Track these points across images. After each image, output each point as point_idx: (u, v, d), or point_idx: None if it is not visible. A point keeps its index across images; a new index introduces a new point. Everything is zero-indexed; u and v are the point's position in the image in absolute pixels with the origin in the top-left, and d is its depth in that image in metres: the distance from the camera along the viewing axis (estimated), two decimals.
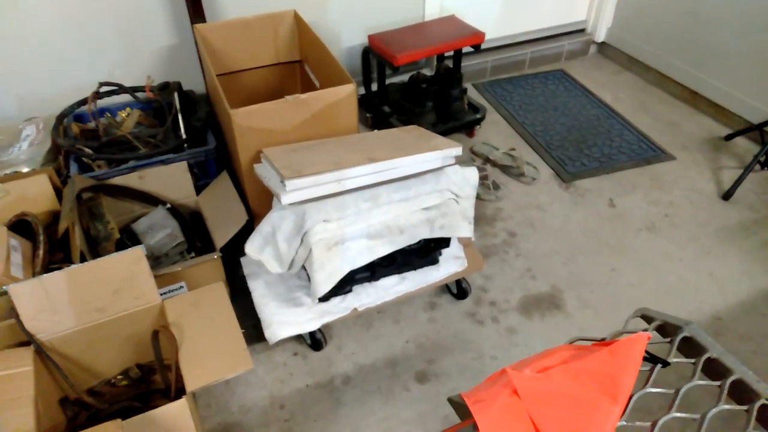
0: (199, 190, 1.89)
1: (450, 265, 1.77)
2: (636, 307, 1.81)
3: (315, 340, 1.70)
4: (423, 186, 1.58)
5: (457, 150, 1.59)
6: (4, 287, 1.36)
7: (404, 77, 2.66)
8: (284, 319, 1.61)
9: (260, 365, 1.67)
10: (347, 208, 1.50)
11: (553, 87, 2.93)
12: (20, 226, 1.62)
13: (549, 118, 2.70)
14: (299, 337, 1.73)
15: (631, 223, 2.14)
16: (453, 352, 1.70)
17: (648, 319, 1.16)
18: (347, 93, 1.68)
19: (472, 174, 1.66)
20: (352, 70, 2.64)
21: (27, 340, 1.41)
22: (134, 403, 1.49)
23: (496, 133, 2.62)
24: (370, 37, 2.34)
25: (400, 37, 2.34)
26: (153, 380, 1.60)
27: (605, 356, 0.96)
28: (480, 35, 2.35)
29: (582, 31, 3.16)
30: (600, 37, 3.13)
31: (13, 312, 1.38)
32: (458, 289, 1.84)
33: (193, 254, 1.75)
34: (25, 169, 1.75)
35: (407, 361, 1.67)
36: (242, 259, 1.79)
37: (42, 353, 1.41)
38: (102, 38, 2.08)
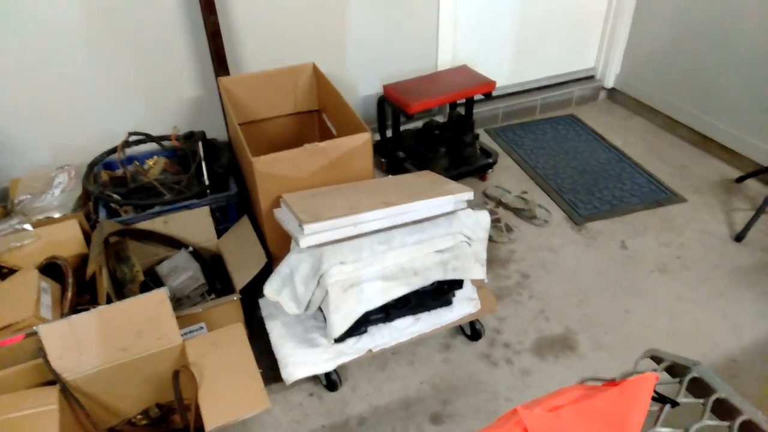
0: (220, 233, 1.96)
1: (464, 306, 1.80)
2: (649, 347, 1.82)
3: (330, 381, 1.72)
4: (436, 229, 1.63)
5: (469, 194, 1.65)
6: (34, 328, 1.42)
7: (418, 124, 2.75)
8: (300, 359, 1.65)
9: (276, 405, 1.70)
10: (362, 251, 1.56)
11: (563, 131, 3.00)
12: (51, 268, 1.70)
13: (560, 162, 2.76)
14: (315, 378, 1.76)
15: (644, 264, 2.16)
16: (467, 393, 1.71)
17: (657, 359, 1.18)
18: (363, 141, 1.76)
19: (483, 217, 1.71)
20: (368, 118, 2.74)
21: (53, 379, 1.46)
22: None
23: (508, 176, 2.68)
24: (386, 87, 2.44)
25: (414, 86, 2.44)
26: (172, 420, 1.63)
27: (614, 396, 0.99)
28: (491, 84, 2.44)
29: (591, 77, 3.25)
30: (609, 83, 3.22)
31: (41, 352, 1.43)
32: (472, 331, 1.87)
33: (213, 296, 1.80)
34: (57, 215, 1.84)
35: (421, 402, 1.69)
36: (260, 301, 1.84)
37: (67, 392, 1.45)
38: (132, 90, 2.20)
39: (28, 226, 1.73)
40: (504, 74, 3.02)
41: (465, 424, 1.62)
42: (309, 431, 1.62)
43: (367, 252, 1.56)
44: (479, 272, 1.70)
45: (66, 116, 2.16)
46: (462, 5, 2.67)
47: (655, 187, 2.56)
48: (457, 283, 1.76)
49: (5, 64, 1.96)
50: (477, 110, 2.92)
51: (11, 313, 1.51)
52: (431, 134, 2.54)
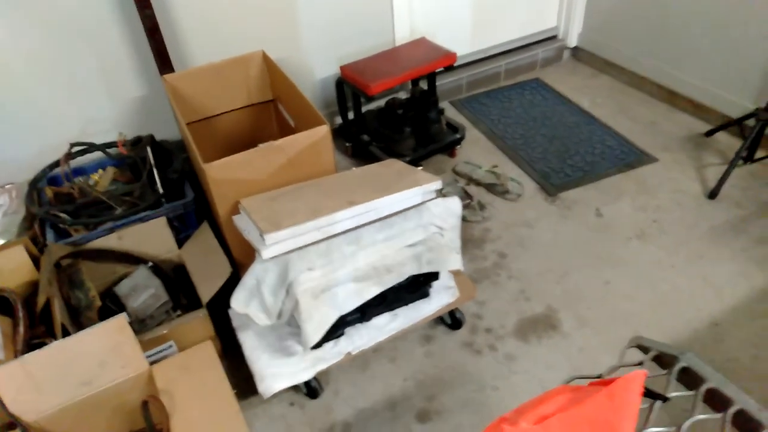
0: (180, 242, 1.86)
1: (442, 296, 1.74)
2: (632, 321, 1.80)
3: (311, 389, 1.66)
4: (406, 223, 1.55)
5: (437, 184, 1.57)
6: None
7: (381, 103, 2.64)
8: (277, 371, 1.58)
9: (257, 420, 1.64)
10: (331, 254, 1.47)
11: (530, 97, 2.92)
12: None
13: (529, 130, 2.69)
14: (295, 386, 1.70)
15: (621, 232, 2.12)
16: (453, 386, 1.67)
17: (644, 349, 1.13)
18: (321, 135, 1.66)
19: (454, 204, 1.64)
20: (328, 101, 2.62)
21: (10, 422, 1.37)
22: None
23: (477, 150, 2.60)
24: (343, 68, 2.32)
25: (372, 65, 2.33)
26: None
27: (603, 401, 0.94)
28: (452, 56, 2.34)
29: (554, 37, 3.16)
30: (572, 42, 3.13)
31: None
32: (452, 320, 1.82)
33: (179, 312, 1.71)
34: (1, 241, 1.72)
35: (407, 400, 1.64)
36: (230, 312, 1.75)
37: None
38: (73, 94, 2.05)
39: None
40: (465, 42, 2.91)
41: (453, 419, 1.58)
42: None
43: (336, 254, 1.48)
44: (455, 262, 1.63)
45: (3, 127, 2.00)
46: None
47: (626, 149, 2.51)
48: (433, 275, 1.69)
49: None
50: (439, 82, 2.81)
51: None
52: (394, 114, 2.44)
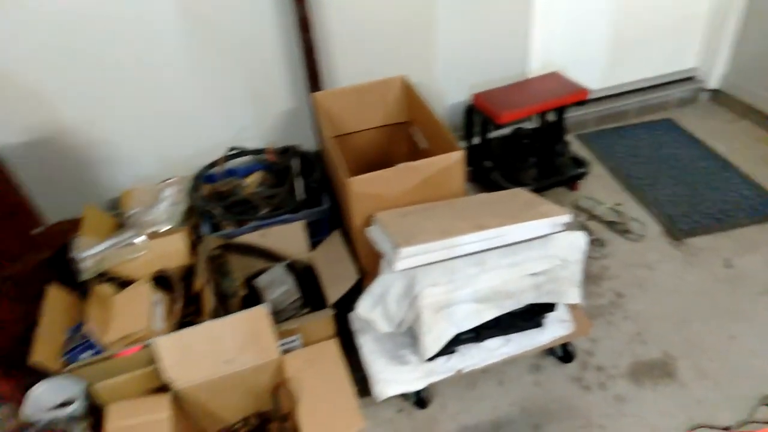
0: (312, 246, 2.03)
1: (556, 328, 1.76)
2: (759, 379, 1.71)
3: (420, 399, 1.74)
4: (530, 252, 1.61)
5: (566, 217, 1.61)
6: (149, 340, 1.53)
7: (506, 131, 2.70)
8: (391, 377, 1.68)
9: (366, 420, 1.74)
10: (455, 273, 1.56)
11: (660, 137, 2.85)
12: (159, 279, 1.82)
13: (657, 170, 2.62)
14: (404, 395, 1.79)
15: (751, 286, 2.03)
16: (559, 418, 1.68)
17: None
18: (455, 160, 1.76)
19: (580, 239, 1.66)
20: (454, 125, 2.73)
21: (163, 386, 1.57)
22: None
23: (600, 186, 2.58)
24: (475, 96, 2.41)
25: (504, 95, 2.40)
26: (268, 429, 1.72)
27: None
28: (583, 92, 2.36)
29: (691, 78, 3.06)
30: (712, 83, 3.02)
31: (154, 362, 1.55)
32: (564, 353, 1.83)
33: (308, 308, 1.87)
34: (165, 228, 1.97)
35: (511, 424, 1.68)
36: (351, 315, 1.88)
37: (178, 400, 1.56)
38: (231, 103, 2.30)
39: (143, 239, 1.86)
40: (597, 78, 2.90)
41: None
42: None
43: (460, 274, 1.56)
44: (574, 296, 1.66)
45: (170, 130, 2.29)
46: (555, 6, 2.58)
47: (764, 200, 2.38)
48: (550, 306, 1.72)
49: (111, 77, 2.10)
50: (568, 115, 2.81)
51: (127, 324, 1.64)
52: (520, 143, 2.49)
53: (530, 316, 1.72)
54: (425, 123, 2.12)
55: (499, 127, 2.34)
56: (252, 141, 2.39)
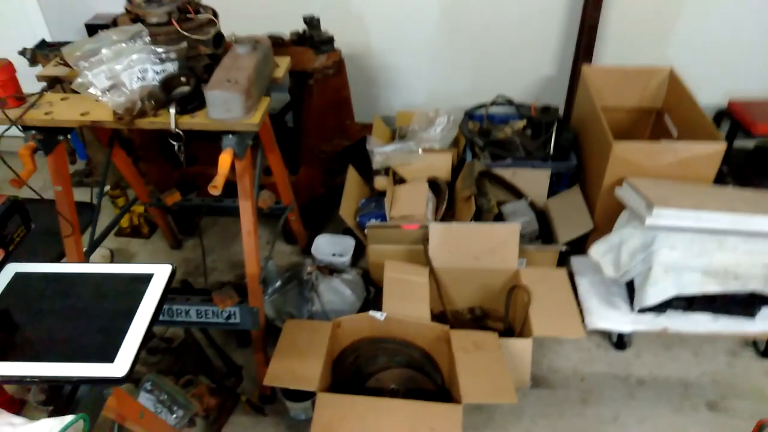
0: (549, 195, 2.34)
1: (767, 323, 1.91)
2: None
3: (621, 341, 2.01)
4: None
5: None
6: (426, 223, 1.97)
7: (749, 143, 2.74)
8: (603, 314, 1.96)
9: (568, 344, 2.05)
10: (694, 243, 1.78)
11: None
12: (430, 184, 2.26)
13: None
14: (605, 333, 2.06)
15: None
16: (748, 399, 1.85)
17: None
18: (715, 150, 1.94)
19: None
20: None
21: (425, 263, 2.00)
22: None
23: None
24: (732, 103, 2.51)
25: (764, 107, 2.47)
26: (487, 322, 2.10)
27: None
28: None
29: None
30: None
31: (424, 241, 1.98)
32: (766, 347, 1.97)
33: (540, 240, 2.20)
34: (437, 147, 2.40)
35: (700, 388, 1.89)
36: (572, 258, 2.18)
37: (433, 274, 1.99)
38: (500, 63, 2.67)
39: (419, 151, 2.32)
40: None
41: (742, 423, 1.77)
42: (594, 372, 1.95)
43: (698, 246, 1.78)
44: None
45: (445, 71, 2.72)
46: None
47: None
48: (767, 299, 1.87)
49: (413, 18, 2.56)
50: None
51: (410, 207, 2.11)
52: (763, 158, 2.55)
53: (747, 304, 1.88)
54: (684, 113, 2.29)
55: (752, 136, 2.43)
56: (511, 95, 2.73)
